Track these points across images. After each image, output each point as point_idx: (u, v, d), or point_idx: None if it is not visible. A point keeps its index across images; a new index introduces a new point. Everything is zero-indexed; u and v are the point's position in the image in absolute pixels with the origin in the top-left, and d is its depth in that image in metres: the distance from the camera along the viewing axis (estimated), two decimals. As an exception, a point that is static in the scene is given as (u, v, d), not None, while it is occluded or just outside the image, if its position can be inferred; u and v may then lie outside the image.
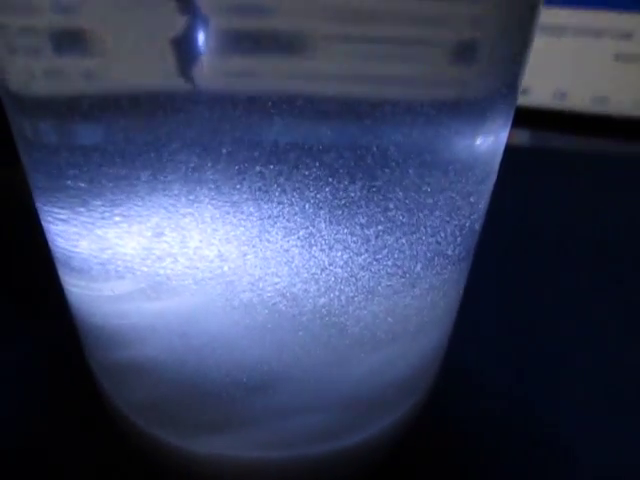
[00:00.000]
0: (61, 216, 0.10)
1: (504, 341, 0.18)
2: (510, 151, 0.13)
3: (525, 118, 0.34)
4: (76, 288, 0.11)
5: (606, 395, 0.16)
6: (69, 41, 0.07)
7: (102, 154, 0.08)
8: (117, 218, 0.09)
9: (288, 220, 0.08)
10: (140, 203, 0.08)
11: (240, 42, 0.07)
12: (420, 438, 0.15)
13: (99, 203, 0.09)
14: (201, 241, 0.09)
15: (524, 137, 0.34)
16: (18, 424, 0.15)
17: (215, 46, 0.07)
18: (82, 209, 0.09)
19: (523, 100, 0.36)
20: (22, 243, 0.21)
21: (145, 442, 0.13)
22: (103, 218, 0.09)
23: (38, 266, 0.19)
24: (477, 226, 0.10)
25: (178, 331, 0.10)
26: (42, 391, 0.16)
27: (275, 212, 0.08)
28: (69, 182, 0.09)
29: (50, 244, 0.11)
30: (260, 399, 0.11)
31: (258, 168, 0.08)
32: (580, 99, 0.37)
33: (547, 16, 0.35)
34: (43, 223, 0.11)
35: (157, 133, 0.07)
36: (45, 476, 0.14)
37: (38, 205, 0.11)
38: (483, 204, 0.10)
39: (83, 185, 0.09)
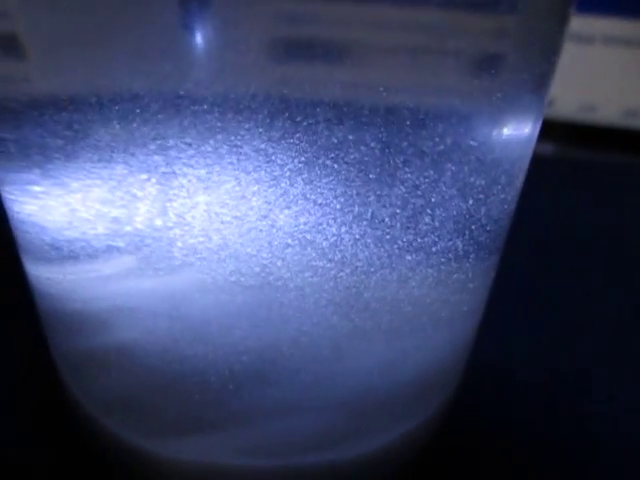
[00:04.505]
0: (28, 192, 0.09)
1: (533, 339, 0.18)
2: (538, 163, 0.13)
3: (551, 130, 0.33)
4: (43, 272, 0.10)
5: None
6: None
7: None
8: (94, 187, 0.08)
9: (297, 192, 0.08)
10: (120, 167, 0.08)
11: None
12: (437, 453, 0.13)
13: (71, 172, 0.08)
14: (191, 208, 0.08)
15: (550, 149, 0.34)
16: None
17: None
18: (52, 182, 0.08)
19: (549, 112, 0.35)
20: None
21: (110, 444, 0.11)
22: (77, 188, 0.08)
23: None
24: (504, 223, 0.10)
25: (161, 311, 0.09)
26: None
27: (283, 182, 0.08)
28: (34, 159, 0.08)
29: (14, 229, 0.10)
30: (250, 393, 0.09)
31: (264, 132, 0.07)
32: (609, 112, 0.35)
33: (577, 24, 0.33)
34: (7, 204, 0.10)
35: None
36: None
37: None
38: (510, 202, 0.10)
39: (50, 162, 0.08)
